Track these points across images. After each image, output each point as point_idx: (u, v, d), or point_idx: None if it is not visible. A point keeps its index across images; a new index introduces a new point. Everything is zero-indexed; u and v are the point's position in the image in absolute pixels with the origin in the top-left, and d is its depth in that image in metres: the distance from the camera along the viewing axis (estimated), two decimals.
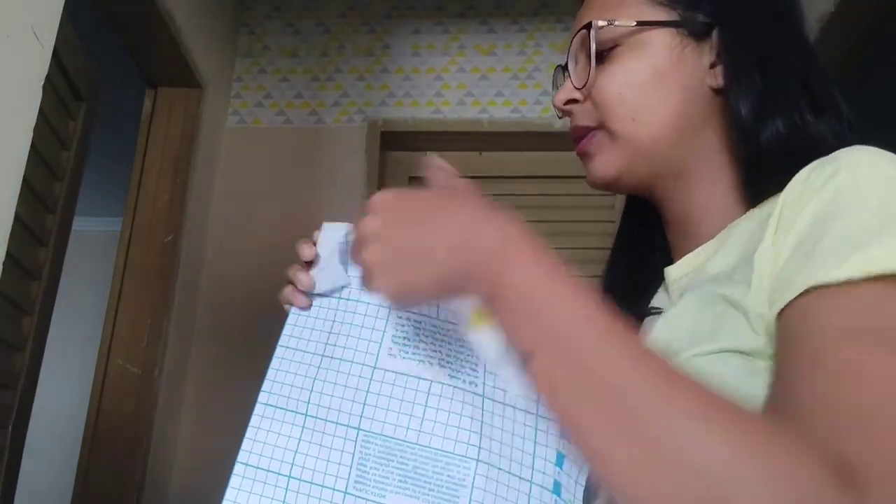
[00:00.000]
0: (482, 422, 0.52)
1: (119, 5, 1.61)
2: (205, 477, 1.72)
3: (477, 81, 2.15)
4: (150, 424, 1.68)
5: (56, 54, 1.14)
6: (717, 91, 0.59)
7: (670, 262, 0.65)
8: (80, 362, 3.15)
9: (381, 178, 2.10)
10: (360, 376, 0.56)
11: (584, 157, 0.64)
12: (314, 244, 0.60)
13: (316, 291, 0.59)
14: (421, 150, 2.18)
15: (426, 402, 0.54)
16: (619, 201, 2.25)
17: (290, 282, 0.60)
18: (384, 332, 0.58)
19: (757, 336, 0.47)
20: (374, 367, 0.56)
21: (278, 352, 0.58)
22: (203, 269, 1.98)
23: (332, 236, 0.60)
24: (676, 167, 0.61)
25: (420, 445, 0.53)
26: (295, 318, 0.59)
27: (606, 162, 0.62)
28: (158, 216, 1.83)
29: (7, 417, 1.38)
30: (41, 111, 1.06)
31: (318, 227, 0.62)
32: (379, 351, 0.57)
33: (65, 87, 1.51)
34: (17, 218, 1.02)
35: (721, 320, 0.50)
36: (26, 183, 1.10)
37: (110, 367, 1.72)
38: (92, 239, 3.59)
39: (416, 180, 2.16)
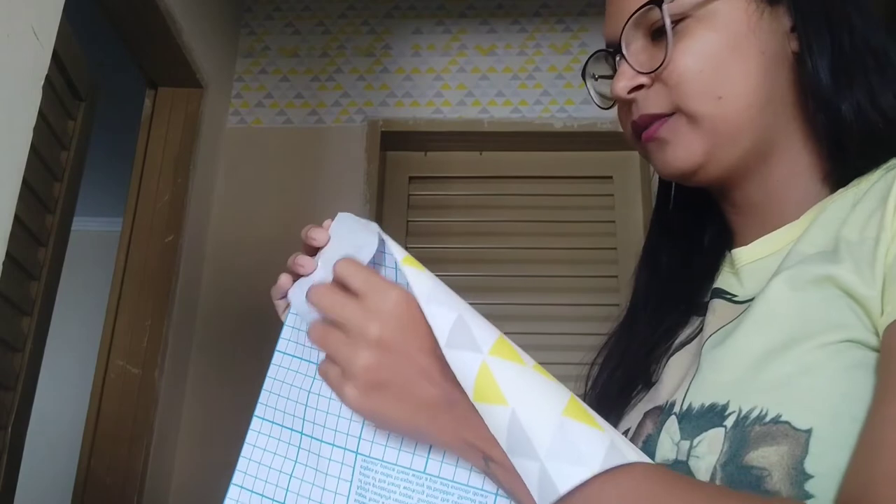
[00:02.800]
0: None
1: (119, 5, 1.60)
2: (205, 477, 1.72)
3: (477, 81, 2.15)
4: (150, 425, 1.68)
5: (56, 54, 1.13)
6: (797, 57, 0.55)
7: (721, 245, 0.62)
8: (80, 362, 3.15)
9: (381, 178, 2.10)
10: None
11: (654, 143, 0.57)
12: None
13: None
14: (421, 150, 2.18)
15: None
16: (619, 201, 2.26)
17: (291, 271, 0.55)
18: None
19: (870, 332, 0.45)
20: None
21: (275, 358, 0.54)
22: (203, 269, 1.98)
23: (349, 228, 0.54)
24: (760, 145, 0.55)
25: (428, 475, 0.47)
26: (293, 319, 0.54)
27: (689, 148, 0.55)
28: (158, 216, 1.83)
29: (7, 418, 1.38)
30: (41, 111, 1.05)
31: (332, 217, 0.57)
32: None
33: (64, 87, 1.51)
34: (16, 218, 1.02)
35: (831, 306, 0.46)
36: (26, 183, 1.10)
37: (110, 368, 1.72)
38: (92, 239, 3.59)
39: (416, 180, 2.16)
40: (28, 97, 1.01)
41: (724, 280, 0.59)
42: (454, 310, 0.45)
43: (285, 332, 0.54)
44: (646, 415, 0.56)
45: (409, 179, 2.16)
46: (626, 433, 0.56)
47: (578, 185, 2.12)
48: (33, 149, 1.05)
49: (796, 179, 0.56)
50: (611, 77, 0.60)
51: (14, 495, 1.44)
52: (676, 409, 0.52)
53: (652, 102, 0.56)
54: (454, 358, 0.44)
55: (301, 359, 0.53)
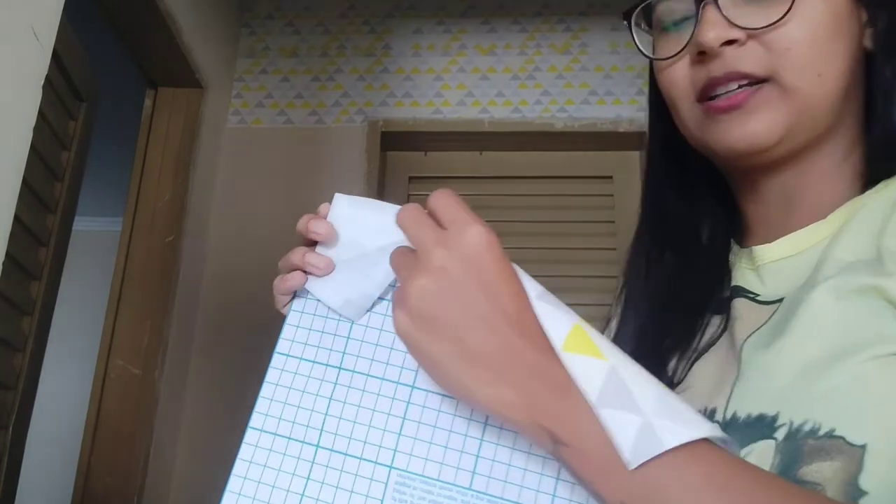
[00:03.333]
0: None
1: (119, 5, 1.60)
2: (205, 478, 1.72)
3: (477, 81, 2.15)
4: (150, 425, 1.68)
5: (56, 54, 1.13)
6: (867, 54, 0.54)
7: (724, 237, 0.59)
8: (80, 362, 3.15)
9: (381, 178, 2.10)
10: (393, 398, 0.44)
11: (738, 112, 0.52)
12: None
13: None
14: (421, 150, 2.18)
15: (482, 436, 0.42)
16: (619, 201, 2.25)
17: (298, 268, 0.50)
18: None
19: None
20: (413, 387, 0.44)
21: (275, 361, 0.47)
22: (203, 269, 1.98)
23: (353, 210, 0.49)
24: (826, 133, 0.53)
25: (475, 491, 0.41)
26: (297, 317, 0.48)
27: (775, 123, 0.51)
28: (158, 216, 1.83)
29: (7, 418, 1.38)
30: (41, 111, 1.06)
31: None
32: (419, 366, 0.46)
33: (65, 87, 1.51)
34: (17, 218, 1.02)
35: (880, 317, 0.44)
36: (26, 183, 1.10)
37: (110, 368, 1.72)
38: (92, 239, 3.58)
39: (415, 180, 2.16)
40: (28, 97, 1.01)
41: (742, 277, 0.56)
42: (536, 283, 0.41)
43: (287, 332, 0.48)
44: None
45: (409, 179, 2.16)
46: None
47: (578, 185, 2.12)
48: (34, 149, 1.05)
49: (834, 176, 0.54)
50: (661, 28, 0.55)
51: (15, 495, 1.44)
52: (719, 416, 0.49)
53: (747, 61, 0.51)
54: (544, 309, 0.39)
55: (309, 361, 0.47)
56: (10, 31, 0.96)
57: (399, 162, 2.18)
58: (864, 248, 0.47)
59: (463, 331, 0.39)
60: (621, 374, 0.37)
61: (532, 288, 0.40)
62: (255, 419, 0.46)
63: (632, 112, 2.06)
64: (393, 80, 2.17)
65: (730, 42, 0.51)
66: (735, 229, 0.60)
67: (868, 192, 0.51)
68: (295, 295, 0.50)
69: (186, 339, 1.89)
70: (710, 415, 0.50)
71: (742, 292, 0.55)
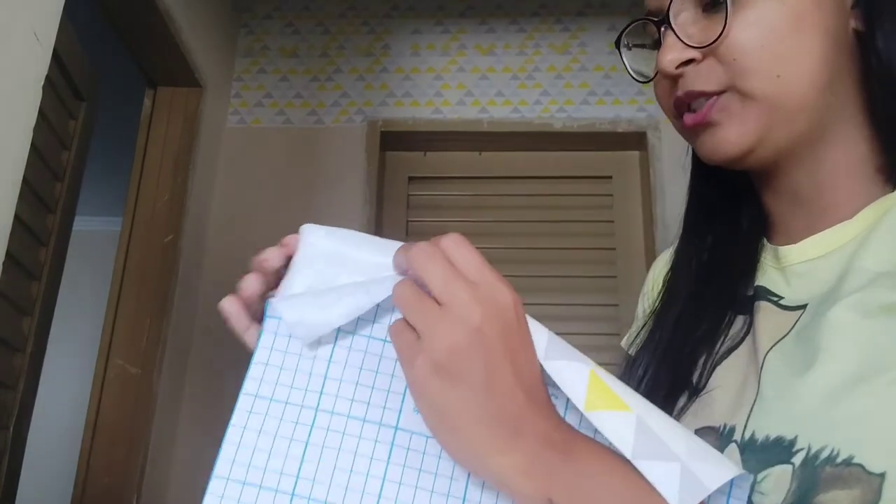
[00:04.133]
0: None
1: (119, 5, 1.61)
2: (204, 477, 1.71)
3: (477, 81, 2.15)
4: (149, 424, 1.68)
5: (56, 54, 1.14)
6: (859, 36, 0.51)
7: (756, 233, 0.58)
8: (80, 362, 3.15)
9: (380, 178, 2.10)
10: (375, 441, 0.42)
11: (704, 127, 0.52)
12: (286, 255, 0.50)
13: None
14: (420, 151, 2.18)
15: (468, 478, 0.41)
16: (618, 201, 2.26)
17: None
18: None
19: None
20: (396, 428, 0.42)
21: (243, 403, 0.43)
22: (203, 269, 1.98)
23: (329, 244, 0.47)
24: (816, 129, 0.51)
25: None
26: (266, 354, 0.45)
27: (742, 130, 0.50)
28: (158, 216, 1.83)
29: (8, 418, 1.38)
30: (41, 111, 1.06)
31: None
32: (402, 405, 0.43)
33: (65, 87, 1.51)
34: (17, 218, 1.02)
35: None
36: (27, 182, 1.10)
37: (110, 367, 1.72)
38: (92, 239, 3.58)
39: (415, 180, 2.16)
40: (28, 97, 1.01)
41: (767, 278, 0.55)
42: (544, 331, 0.41)
43: (255, 371, 0.44)
44: (697, 433, 0.50)
45: (408, 179, 2.16)
46: None
47: (578, 185, 2.12)
48: (34, 148, 1.06)
49: (849, 171, 0.52)
50: (646, 47, 0.55)
51: (15, 495, 1.44)
52: (737, 436, 0.48)
53: (702, 79, 0.51)
54: (556, 368, 0.39)
55: (285, 403, 0.43)
56: (10, 31, 0.96)
57: (398, 162, 2.18)
58: (892, 256, 0.45)
59: (486, 393, 0.38)
60: (649, 424, 0.37)
61: (540, 339, 0.40)
62: (221, 467, 0.42)
63: (631, 112, 2.07)
64: (392, 79, 2.17)
65: (687, 62, 0.51)
66: (763, 224, 0.59)
67: None
68: (262, 328, 0.47)
69: (185, 339, 1.89)
70: (728, 433, 0.49)
71: (766, 294, 0.54)
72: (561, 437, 0.39)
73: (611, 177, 2.13)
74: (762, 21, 0.49)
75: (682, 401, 0.54)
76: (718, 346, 0.55)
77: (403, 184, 2.16)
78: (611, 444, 0.38)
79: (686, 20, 0.51)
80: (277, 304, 0.45)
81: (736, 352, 0.54)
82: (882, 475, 0.40)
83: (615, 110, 2.07)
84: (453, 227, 2.07)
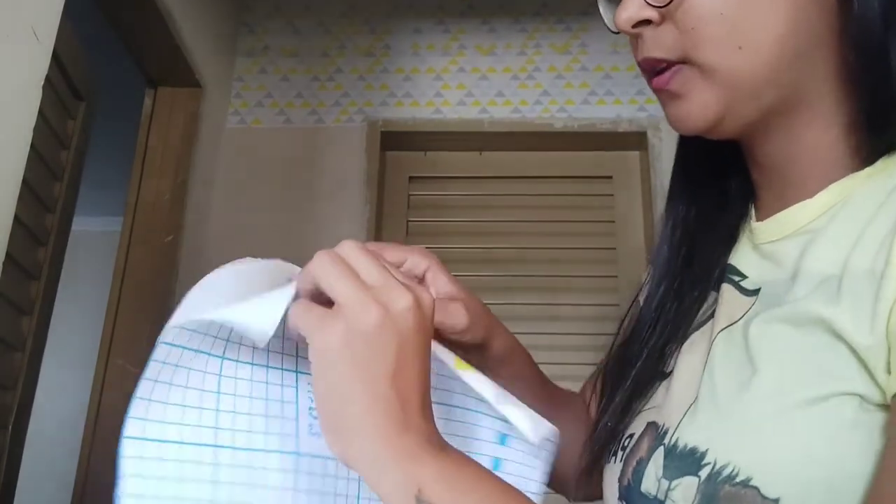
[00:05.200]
0: None
1: (119, 5, 1.60)
2: None
3: (477, 81, 2.15)
4: None
5: (56, 54, 1.14)
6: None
7: (741, 204, 0.55)
8: (80, 362, 3.14)
9: (380, 178, 2.10)
10: (281, 470, 0.41)
11: (665, 94, 0.49)
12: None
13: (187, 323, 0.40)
14: (421, 150, 2.18)
15: (369, 494, 0.42)
16: (619, 201, 2.25)
17: None
18: (297, 401, 0.42)
19: (870, 385, 0.39)
20: (298, 455, 0.42)
21: (128, 449, 0.39)
22: (203, 269, 1.97)
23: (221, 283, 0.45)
24: (787, 102, 0.48)
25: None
26: (149, 387, 0.39)
27: (703, 104, 0.47)
28: (158, 216, 1.83)
29: (7, 417, 1.38)
30: (41, 111, 1.06)
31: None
32: (297, 431, 0.42)
33: (64, 87, 1.51)
34: (16, 218, 1.02)
35: (823, 352, 0.41)
36: (26, 183, 1.10)
37: (110, 367, 1.72)
38: (92, 239, 3.58)
39: (415, 180, 2.16)
40: (28, 97, 1.01)
41: (739, 254, 0.54)
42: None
43: (137, 409, 0.40)
44: (648, 427, 0.52)
45: (408, 179, 2.16)
46: (630, 437, 0.54)
47: (578, 185, 2.12)
48: (33, 148, 1.05)
49: (825, 148, 0.49)
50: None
51: (14, 495, 1.44)
52: (667, 439, 0.48)
53: (659, 44, 0.47)
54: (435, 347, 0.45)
55: (185, 444, 0.40)
56: (10, 31, 0.96)
57: (399, 162, 2.18)
58: (840, 256, 0.43)
59: (389, 381, 0.39)
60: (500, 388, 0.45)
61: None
62: None
63: (632, 112, 2.06)
64: (393, 79, 2.17)
65: (644, 22, 0.48)
66: (750, 191, 0.56)
67: (863, 172, 0.47)
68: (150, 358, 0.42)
69: None
70: (662, 435, 0.49)
71: (731, 273, 0.53)
72: (438, 440, 0.40)
73: (611, 177, 2.13)
74: None
75: (657, 387, 0.54)
76: (688, 326, 0.55)
77: (404, 184, 2.16)
78: (478, 396, 0.44)
79: None
80: (196, 320, 0.40)
81: (701, 330, 0.53)
82: (776, 501, 0.40)
83: (616, 110, 2.07)
84: (453, 227, 2.08)
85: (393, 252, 0.54)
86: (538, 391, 0.63)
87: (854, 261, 0.42)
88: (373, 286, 0.40)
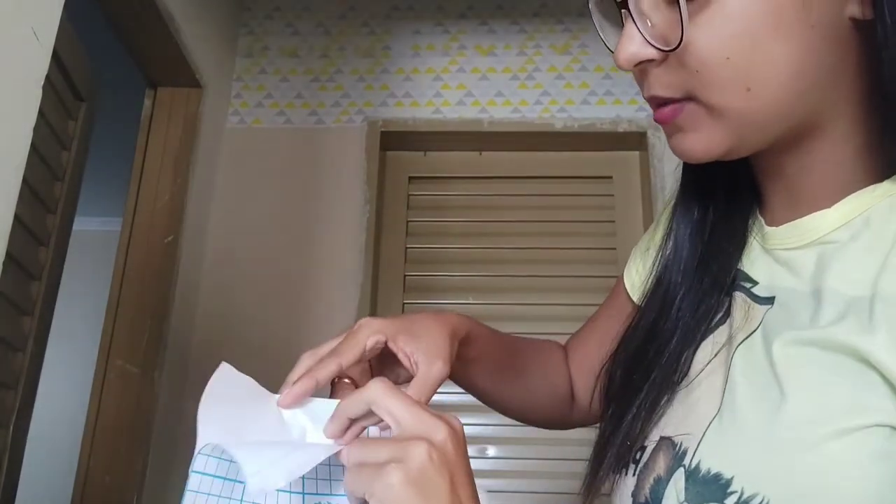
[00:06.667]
0: None
1: (119, 5, 1.61)
2: None
3: (477, 82, 2.15)
4: (149, 424, 1.68)
5: (56, 54, 1.14)
6: (857, 24, 0.44)
7: (746, 205, 0.55)
8: (80, 362, 3.14)
9: (380, 178, 2.10)
10: None
11: (670, 127, 0.48)
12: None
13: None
14: (420, 151, 2.18)
15: None
16: (619, 201, 2.25)
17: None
18: None
19: None
20: None
21: None
22: (203, 269, 1.98)
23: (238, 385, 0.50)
24: (801, 125, 0.46)
25: None
26: (192, 498, 0.46)
27: (711, 139, 0.46)
28: (158, 216, 1.83)
29: (8, 418, 1.38)
30: (41, 111, 1.06)
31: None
32: None
33: (65, 87, 1.51)
34: (17, 218, 1.02)
35: (857, 382, 0.40)
36: (26, 183, 1.10)
37: (110, 367, 1.72)
38: (92, 239, 3.58)
39: (415, 180, 2.16)
40: (28, 97, 1.01)
41: (749, 259, 0.53)
42: None
43: None
44: (661, 442, 0.51)
45: (408, 179, 2.16)
46: (642, 450, 0.53)
47: (578, 185, 2.12)
48: (34, 149, 1.05)
49: (839, 164, 0.48)
50: (614, 21, 0.50)
51: (15, 495, 1.44)
52: (686, 461, 0.47)
53: (664, 83, 0.46)
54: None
55: None
56: (10, 31, 0.96)
57: (399, 162, 2.18)
58: (867, 277, 0.42)
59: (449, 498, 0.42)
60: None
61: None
62: None
63: (631, 112, 2.07)
64: (392, 80, 2.17)
65: (646, 61, 0.46)
66: (759, 200, 0.55)
67: (883, 185, 0.46)
68: (185, 488, 0.48)
69: (185, 339, 1.89)
70: (682, 456, 0.48)
71: (742, 279, 0.52)
72: None
73: (611, 177, 2.13)
74: (730, 23, 0.42)
75: (671, 396, 0.53)
76: (701, 332, 0.54)
77: (403, 184, 2.16)
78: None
79: (650, 6, 0.45)
80: (229, 452, 0.46)
81: (713, 337, 0.53)
82: None
83: (616, 110, 2.07)
84: (453, 227, 2.08)
85: (349, 353, 0.57)
86: (504, 360, 0.70)
87: (884, 285, 0.41)
88: (406, 424, 0.44)
